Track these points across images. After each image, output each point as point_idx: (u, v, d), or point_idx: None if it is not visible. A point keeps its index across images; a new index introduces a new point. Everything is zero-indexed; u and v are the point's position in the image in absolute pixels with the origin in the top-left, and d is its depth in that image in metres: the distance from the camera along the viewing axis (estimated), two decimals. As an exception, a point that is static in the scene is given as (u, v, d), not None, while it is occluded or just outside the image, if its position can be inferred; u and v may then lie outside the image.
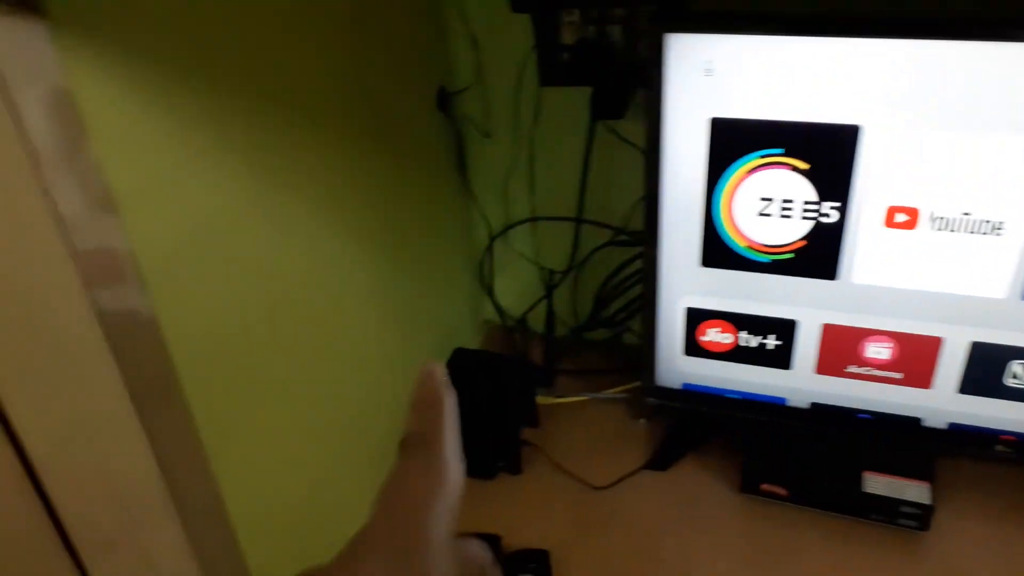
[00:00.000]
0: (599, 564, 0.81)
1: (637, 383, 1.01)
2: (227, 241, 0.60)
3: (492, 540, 0.82)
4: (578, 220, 1.00)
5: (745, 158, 0.71)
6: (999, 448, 0.78)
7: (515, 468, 0.93)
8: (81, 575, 0.55)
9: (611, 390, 1.04)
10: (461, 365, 1.05)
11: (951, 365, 0.75)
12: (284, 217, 0.67)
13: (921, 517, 0.79)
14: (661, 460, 0.93)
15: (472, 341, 1.17)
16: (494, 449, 0.93)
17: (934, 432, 0.80)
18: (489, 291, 1.17)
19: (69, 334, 0.47)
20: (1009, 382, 0.74)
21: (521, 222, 1.08)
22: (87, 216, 0.46)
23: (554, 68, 0.92)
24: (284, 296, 0.68)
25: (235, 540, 0.62)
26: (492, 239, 1.11)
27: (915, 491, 0.79)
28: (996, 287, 0.69)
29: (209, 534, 0.58)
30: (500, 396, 0.97)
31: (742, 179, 0.72)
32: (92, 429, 0.51)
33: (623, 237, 1.02)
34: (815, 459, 0.85)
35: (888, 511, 0.80)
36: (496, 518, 0.86)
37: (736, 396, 0.87)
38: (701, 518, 0.86)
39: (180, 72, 0.53)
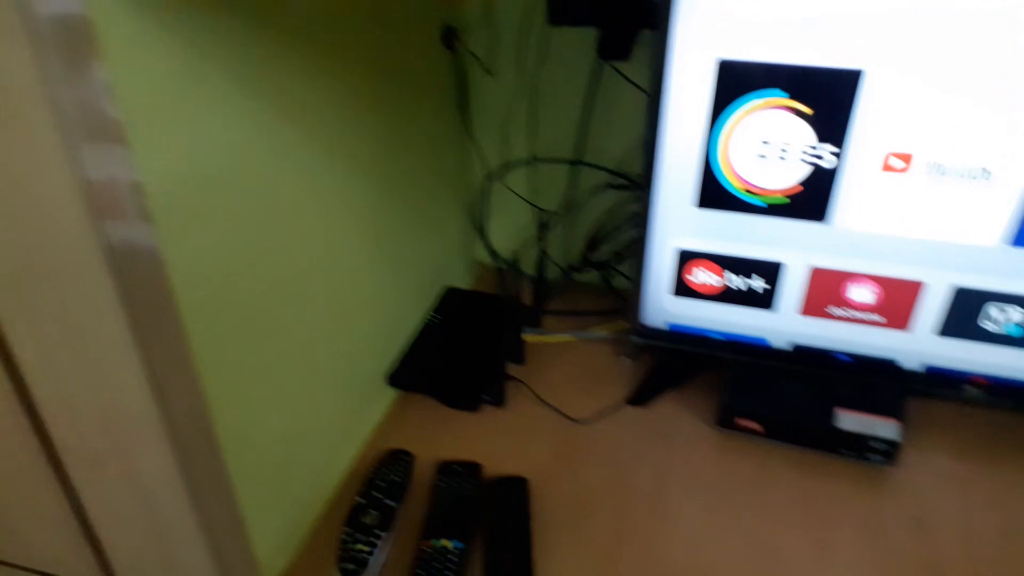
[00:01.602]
0: (576, 492, 0.80)
1: (623, 323, 1.00)
2: (230, 174, 0.57)
3: (473, 468, 0.81)
4: (575, 162, 0.98)
5: (744, 98, 0.70)
6: (967, 388, 0.79)
7: (499, 401, 0.92)
8: (69, 489, 0.54)
9: (596, 328, 1.03)
10: (452, 303, 1.04)
11: (932, 309, 0.75)
12: (284, 150, 0.64)
13: (889, 452, 0.80)
14: (641, 396, 0.92)
15: (463, 281, 1.15)
16: (479, 382, 0.92)
17: (909, 373, 0.81)
18: (482, 232, 1.15)
19: (69, 258, 0.45)
20: (986, 325, 0.74)
21: (518, 163, 1.06)
22: (93, 139, 0.43)
23: (563, 7, 0.89)
24: (280, 229, 0.65)
25: (222, 463, 0.60)
26: (488, 179, 1.09)
27: (885, 428, 0.80)
28: (985, 234, 0.69)
29: (197, 457, 0.57)
30: (487, 332, 0.96)
31: (740, 120, 0.71)
32: (85, 350, 0.49)
33: (620, 181, 1.01)
34: (790, 397, 0.85)
35: (858, 446, 0.80)
36: (478, 447, 0.85)
37: (720, 337, 0.87)
38: (677, 451, 0.85)
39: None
